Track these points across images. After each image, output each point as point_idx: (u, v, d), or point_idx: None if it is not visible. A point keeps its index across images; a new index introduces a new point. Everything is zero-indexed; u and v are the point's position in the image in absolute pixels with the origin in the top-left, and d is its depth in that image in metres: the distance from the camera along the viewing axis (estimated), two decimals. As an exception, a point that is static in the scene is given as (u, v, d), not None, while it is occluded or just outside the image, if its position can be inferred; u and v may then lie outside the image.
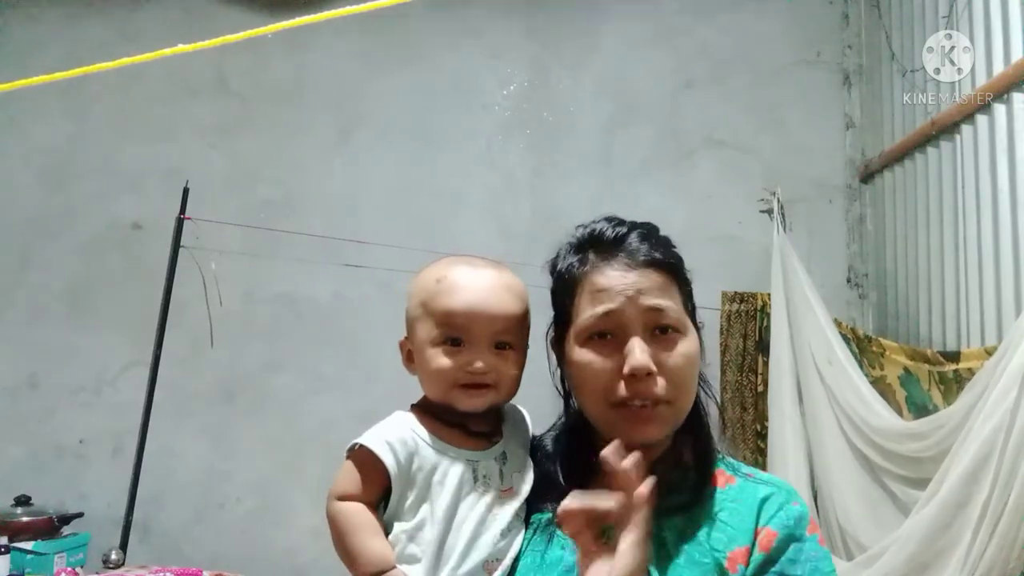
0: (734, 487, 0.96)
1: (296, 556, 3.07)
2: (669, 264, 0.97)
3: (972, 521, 1.78)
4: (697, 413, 1.01)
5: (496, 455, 1.01)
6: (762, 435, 2.90)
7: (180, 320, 2.90)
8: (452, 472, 0.98)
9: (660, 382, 0.93)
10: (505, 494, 0.99)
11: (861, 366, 2.65)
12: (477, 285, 1.01)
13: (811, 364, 2.69)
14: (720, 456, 1.01)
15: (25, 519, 2.79)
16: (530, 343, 1.06)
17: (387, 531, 0.97)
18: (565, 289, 1.00)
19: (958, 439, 1.93)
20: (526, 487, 1.01)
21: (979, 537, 1.73)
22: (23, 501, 2.87)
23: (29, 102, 3.36)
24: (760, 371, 2.96)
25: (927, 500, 1.98)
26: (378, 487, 0.97)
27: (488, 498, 0.98)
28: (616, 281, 0.95)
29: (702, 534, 0.92)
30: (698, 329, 1.00)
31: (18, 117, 3.41)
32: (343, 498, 0.98)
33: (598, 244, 0.99)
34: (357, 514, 0.96)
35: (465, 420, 1.02)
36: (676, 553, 0.91)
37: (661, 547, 0.91)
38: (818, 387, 2.66)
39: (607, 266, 0.96)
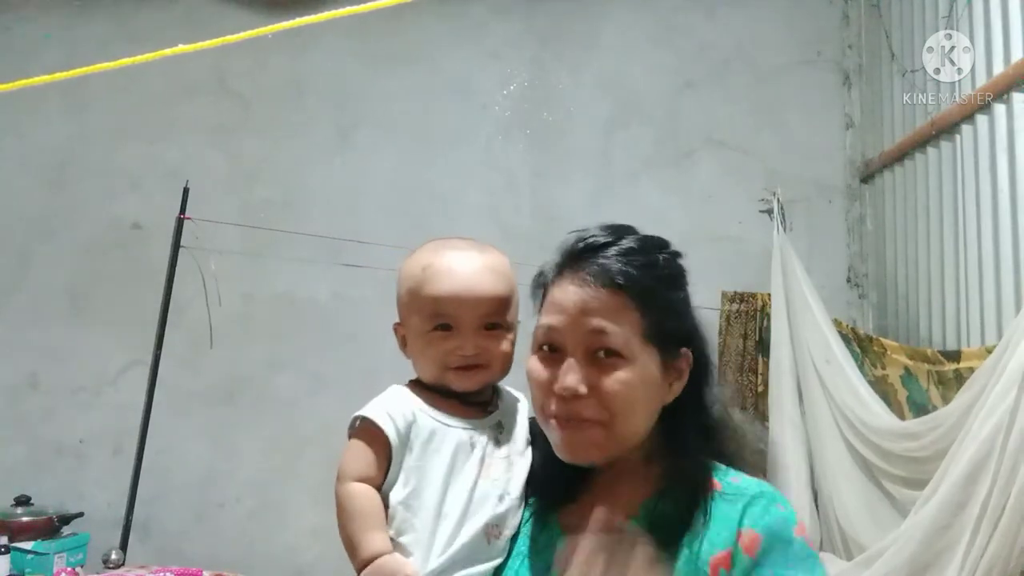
0: (718, 492, 0.95)
1: (296, 556, 3.07)
2: (628, 287, 0.93)
3: (972, 521, 1.77)
4: (678, 440, 0.98)
5: (491, 424, 1.03)
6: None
7: (180, 320, 2.90)
8: (448, 439, 0.99)
9: (592, 404, 0.92)
10: (502, 462, 1.01)
11: (863, 366, 2.65)
12: (462, 270, 1.05)
13: (811, 364, 2.69)
14: (716, 467, 0.98)
15: (25, 519, 2.79)
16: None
17: (386, 502, 0.97)
18: (536, 295, 1.02)
19: (957, 439, 1.93)
20: (523, 458, 1.03)
21: (979, 537, 1.73)
22: (23, 501, 2.87)
23: (29, 102, 3.36)
24: (760, 371, 2.96)
25: (926, 500, 1.98)
26: (383, 459, 0.98)
27: (484, 464, 0.99)
28: (568, 297, 0.94)
29: (688, 542, 0.92)
30: (668, 359, 0.96)
31: (18, 117, 3.40)
32: (351, 478, 0.97)
33: (569, 254, 0.97)
34: (362, 498, 0.96)
35: (461, 393, 1.05)
36: (669, 568, 0.91)
37: (656, 563, 0.91)
38: (817, 387, 2.66)
39: (568, 280, 0.95)
